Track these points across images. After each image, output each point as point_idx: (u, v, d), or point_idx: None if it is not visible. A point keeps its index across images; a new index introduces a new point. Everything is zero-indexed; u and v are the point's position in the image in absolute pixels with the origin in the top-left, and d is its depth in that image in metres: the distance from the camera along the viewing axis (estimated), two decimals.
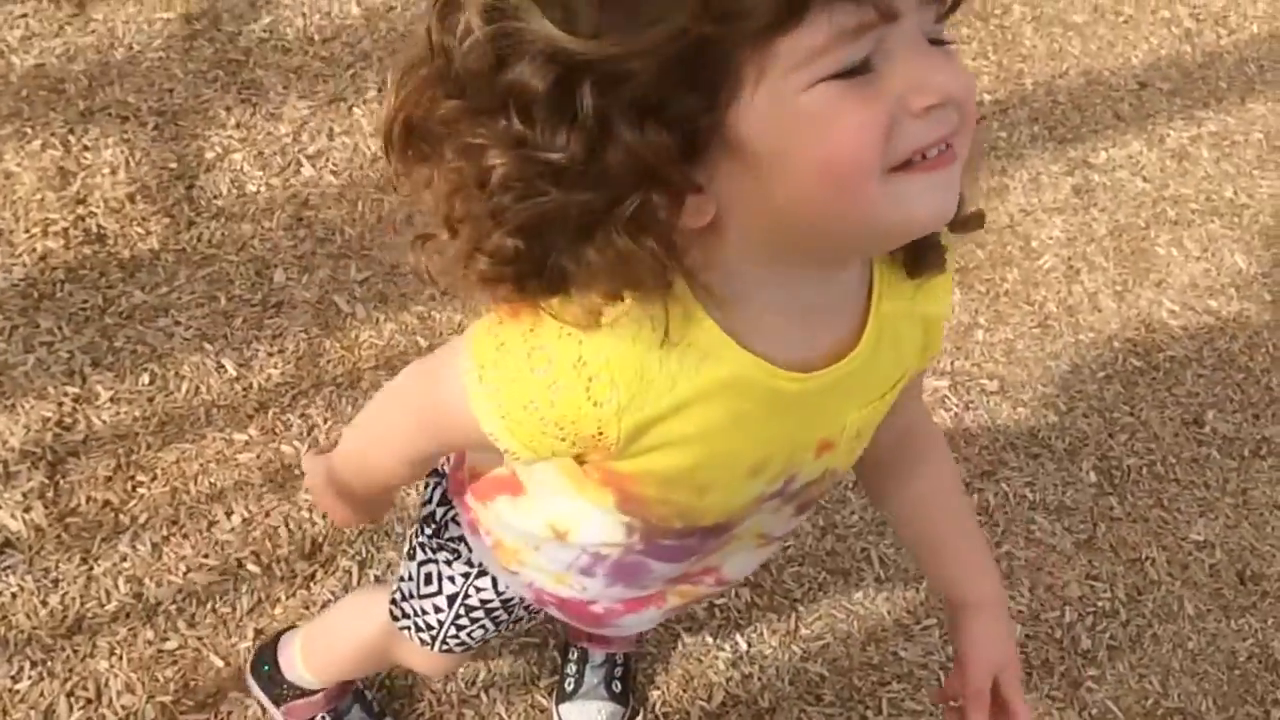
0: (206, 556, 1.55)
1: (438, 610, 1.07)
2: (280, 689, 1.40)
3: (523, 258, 0.63)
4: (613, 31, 0.56)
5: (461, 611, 1.07)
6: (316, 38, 2.17)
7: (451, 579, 1.05)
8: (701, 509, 0.81)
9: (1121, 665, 1.68)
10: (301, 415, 1.69)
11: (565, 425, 0.70)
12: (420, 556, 1.06)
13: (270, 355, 1.74)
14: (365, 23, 2.20)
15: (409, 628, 1.11)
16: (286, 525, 1.59)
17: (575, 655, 1.52)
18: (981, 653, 0.95)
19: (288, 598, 1.53)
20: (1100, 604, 1.73)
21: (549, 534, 0.89)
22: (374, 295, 1.84)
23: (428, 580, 1.06)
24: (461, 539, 1.02)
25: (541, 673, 1.54)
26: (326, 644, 1.36)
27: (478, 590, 1.05)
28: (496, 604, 1.06)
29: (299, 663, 1.37)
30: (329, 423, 1.69)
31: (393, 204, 1.95)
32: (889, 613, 1.68)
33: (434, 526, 1.04)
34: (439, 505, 1.03)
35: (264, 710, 1.42)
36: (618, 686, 1.51)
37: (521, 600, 1.06)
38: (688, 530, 0.84)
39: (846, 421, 0.79)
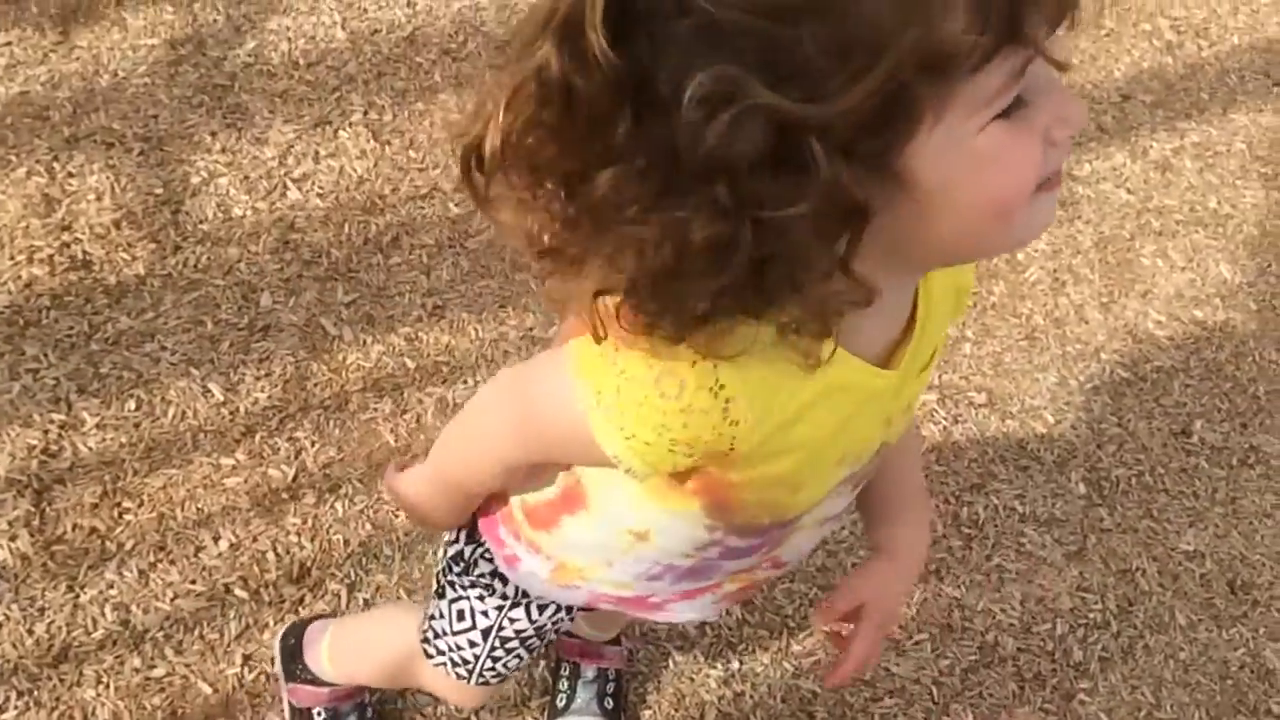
0: (194, 582, 1.54)
1: (473, 645, 1.08)
2: (296, 666, 1.41)
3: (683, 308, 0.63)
4: (840, 92, 0.56)
5: (497, 644, 1.07)
6: (301, 62, 2.17)
7: (485, 613, 1.05)
8: (792, 505, 0.84)
9: (1114, 677, 1.68)
10: (289, 439, 1.69)
11: (697, 444, 0.72)
12: (451, 594, 1.07)
13: (257, 379, 1.74)
14: (350, 46, 2.21)
15: (444, 664, 1.12)
16: (274, 550, 1.58)
17: (567, 671, 1.51)
18: (862, 583, 1.00)
19: (276, 623, 1.52)
20: (1091, 615, 1.73)
21: (628, 540, 0.89)
22: (361, 317, 1.84)
23: (460, 617, 1.07)
24: (494, 574, 1.03)
25: (533, 693, 1.53)
26: (354, 645, 1.36)
27: (512, 622, 1.06)
28: (530, 632, 1.07)
29: (324, 653, 1.38)
30: (317, 446, 1.69)
31: (379, 226, 1.95)
32: None
33: (462, 565, 1.04)
34: (466, 544, 1.04)
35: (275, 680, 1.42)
36: (610, 703, 1.50)
37: (555, 625, 1.07)
38: (772, 525, 0.86)
39: (905, 397, 0.84)
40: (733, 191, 0.57)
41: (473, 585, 1.04)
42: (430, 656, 1.13)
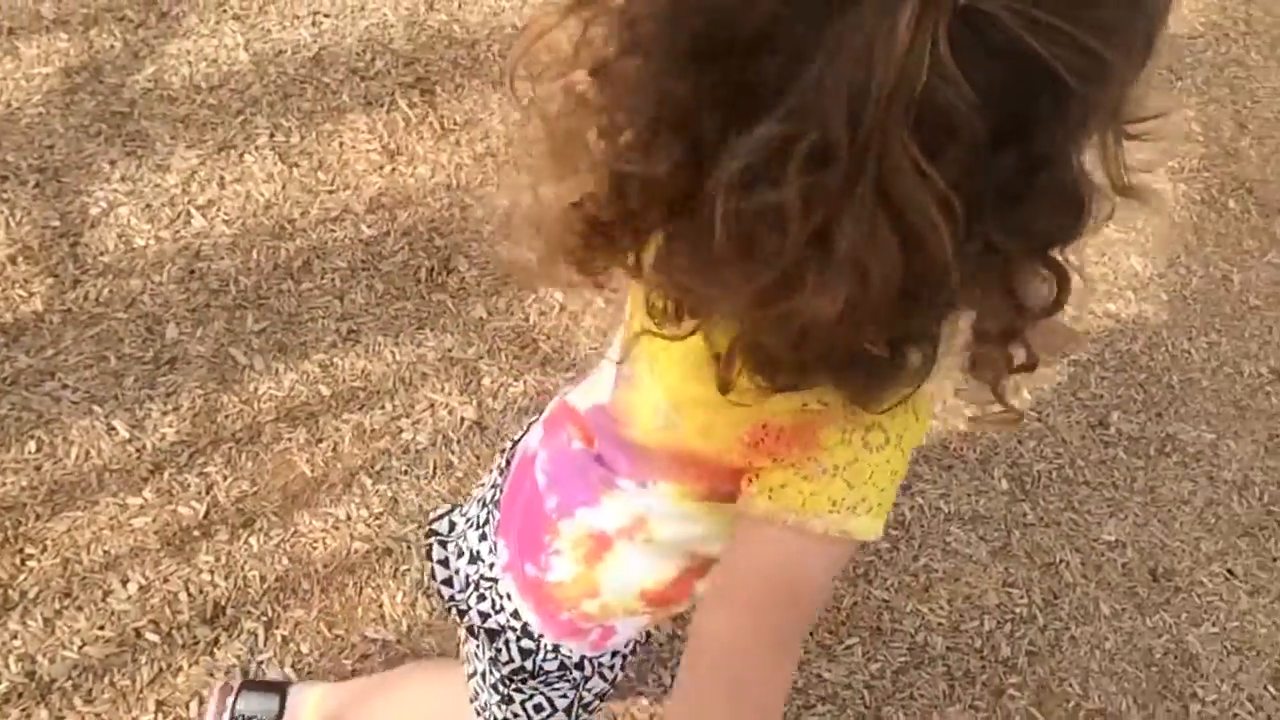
0: (102, 628, 1.49)
1: None
2: None
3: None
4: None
5: (580, 711, 1.06)
6: (203, 85, 2.12)
7: (564, 695, 1.04)
8: None
9: (1042, 670, 1.69)
10: (199, 474, 1.64)
11: (906, 461, 0.74)
12: (521, 696, 1.04)
13: (164, 414, 1.69)
14: (254, 68, 2.17)
15: None
16: (186, 589, 1.53)
17: None
18: None
19: (190, 665, 1.47)
20: (1018, 610, 1.75)
21: None
22: (273, 345, 1.80)
23: (539, 709, 1.04)
24: (562, 667, 1.00)
25: None
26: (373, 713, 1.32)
27: (590, 690, 1.04)
28: (608, 687, 1.06)
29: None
30: (229, 480, 1.64)
31: (289, 250, 1.91)
32: (811, 634, 1.67)
33: (525, 674, 1.01)
34: (523, 659, 1.00)
35: None
36: None
37: (625, 666, 1.06)
38: None
39: None
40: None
41: (544, 683, 1.02)
42: None
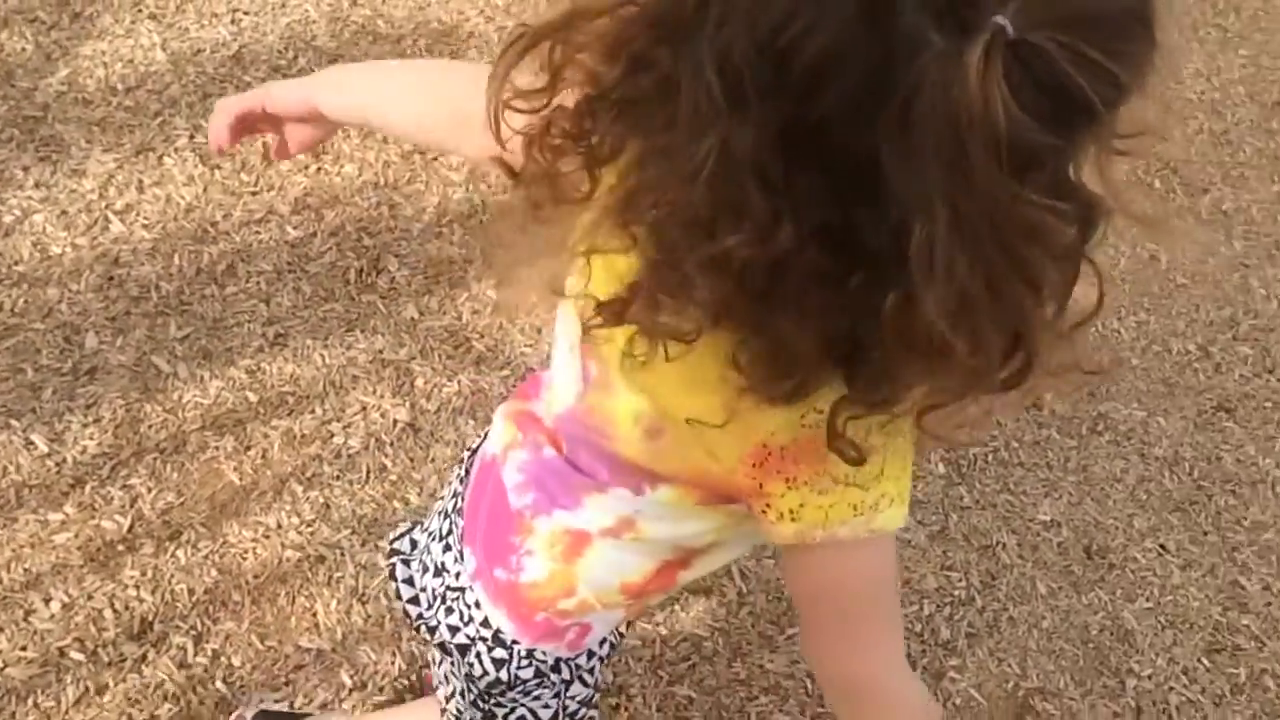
0: (24, 649, 1.44)
1: None
2: None
3: None
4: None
5: None
6: (120, 87, 2.07)
7: (546, 705, 1.03)
8: None
9: (981, 651, 1.71)
10: (123, 487, 1.60)
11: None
12: (503, 710, 1.03)
13: (85, 426, 1.64)
14: (172, 68, 2.11)
15: None
16: (112, 606, 1.49)
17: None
18: None
19: (117, 684, 1.43)
20: (956, 593, 1.76)
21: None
22: (196, 352, 1.76)
23: None
24: (539, 673, 0.99)
25: None
26: None
27: (573, 698, 1.03)
28: (591, 692, 1.05)
29: None
30: (153, 492, 1.60)
31: (212, 254, 1.87)
32: (753, 625, 1.67)
33: (502, 686, 1.00)
34: (497, 670, 0.99)
35: None
36: None
37: (604, 663, 1.06)
38: None
39: None
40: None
41: (523, 693, 1.01)
42: None
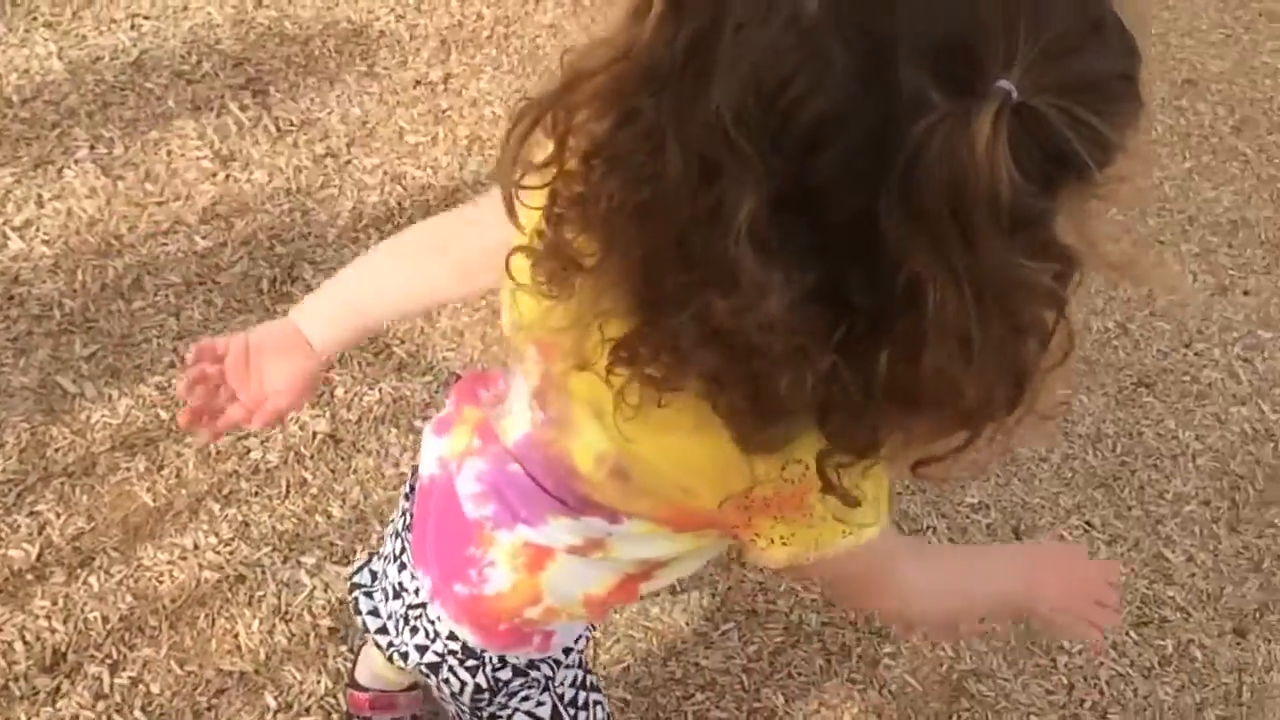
0: None
1: None
2: None
3: None
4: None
5: (572, 711, 1.06)
6: (15, 98, 1.99)
7: (540, 703, 1.03)
8: None
9: (914, 637, 1.71)
10: (30, 514, 1.54)
11: None
12: (505, 714, 1.03)
13: None
14: (70, 77, 2.04)
15: None
16: (22, 638, 1.44)
17: None
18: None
19: (30, 718, 1.38)
20: None
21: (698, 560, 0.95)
22: (104, 371, 1.70)
23: None
24: (519, 671, 1.00)
25: None
26: None
27: (562, 683, 1.04)
28: (581, 673, 1.06)
29: None
30: (62, 518, 1.55)
31: (117, 269, 1.81)
32: (687, 623, 1.66)
33: (485, 694, 1.01)
34: (475, 678, 0.99)
35: None
36: None
37: (587, 643, 1.08)
38: None
39: None
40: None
41: (509, 695, 1.01)
42: None
